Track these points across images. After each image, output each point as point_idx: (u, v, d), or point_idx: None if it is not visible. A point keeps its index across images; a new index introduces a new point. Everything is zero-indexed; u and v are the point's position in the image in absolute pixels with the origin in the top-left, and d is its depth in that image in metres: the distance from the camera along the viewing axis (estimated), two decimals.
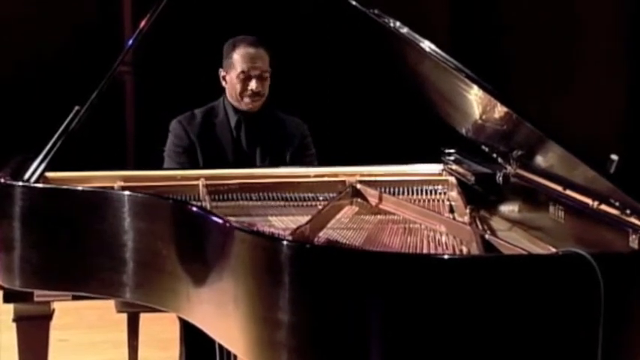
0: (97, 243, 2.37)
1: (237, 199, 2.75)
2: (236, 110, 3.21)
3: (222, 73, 3.23)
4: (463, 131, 2.77)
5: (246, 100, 3.17)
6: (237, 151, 3.19)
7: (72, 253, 2.41)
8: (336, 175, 2.89)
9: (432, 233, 2.38)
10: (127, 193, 2.36)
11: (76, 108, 2.66)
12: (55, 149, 2.61)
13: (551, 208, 2.17)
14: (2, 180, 2.49)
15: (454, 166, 2.90)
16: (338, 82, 4.98)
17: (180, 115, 3.24)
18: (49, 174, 2.69)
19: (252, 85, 3.14)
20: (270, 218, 2.59)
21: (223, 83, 3.22)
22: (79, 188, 2.48)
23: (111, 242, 2.33)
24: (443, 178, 2.89)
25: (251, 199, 2.76)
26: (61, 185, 2.58)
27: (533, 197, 2.32)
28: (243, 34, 3.23)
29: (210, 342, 2.24)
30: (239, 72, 3.15)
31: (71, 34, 4.86)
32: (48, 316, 2.60)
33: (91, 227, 2.38)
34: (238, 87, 3.16)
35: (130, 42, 2.80)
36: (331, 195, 2.74)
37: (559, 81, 5.23)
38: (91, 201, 2.41)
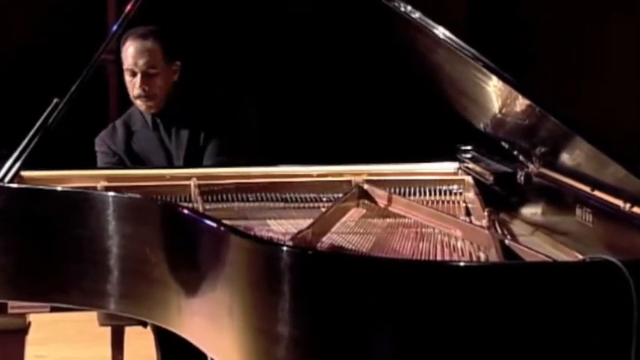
0: (78, 249, 2.37)
1: (233, 201, 2.76)
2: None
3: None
4: (481, 126, 2.78)
5: (138, 102, 3.15)
6: (164, 153, 3.17)
7: (50, 259, 2.42)
8: (340, 175, 2.89)
9: (446, 238, 2.38)
10: (111, 194, 2.37)
11: (55, 100, 2.66)
12: (31, 146, 2.61)
13: (578, 211, 2.17)
14: None
15: (471, 165, 2.90)
16: (343, 73, 4.98)
17: (102, 131, 3.22)
18: (25, 173, 2.69)
19: (137, 83, 3.10)
20: (268, 222, 2.59)
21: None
22: (58, 189, 2.48)
23: (93, 248, 2.34)
24: (458, 177, 2.89)
25: (248, 201, 2.76)
26: (38, 185, 2.59)
27: (557, 199, 2.32)
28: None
29: (190, 354, 2.25)
30: (125, 68, 3.13)
31: (49, 18, 4.87)
32: (23, 330, 2.61)
33: (71, 231, 2.39)
34: (130, 87, 3.13)
35: (115, 27, 2.80)
36: (336, 196, 2.74)
37: (587, 71, 5.23)
38: (72, 203, 2.41)
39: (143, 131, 3.19)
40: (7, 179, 2.54)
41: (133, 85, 3.12)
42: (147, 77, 3.10)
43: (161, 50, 3.13)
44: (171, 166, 3.11)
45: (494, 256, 2.09)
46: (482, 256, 2.18)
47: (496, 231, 2.35)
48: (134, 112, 3.22)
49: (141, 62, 3.10)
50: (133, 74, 3.11)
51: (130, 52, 3.11)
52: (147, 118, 3.19)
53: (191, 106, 3.20)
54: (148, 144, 3.18)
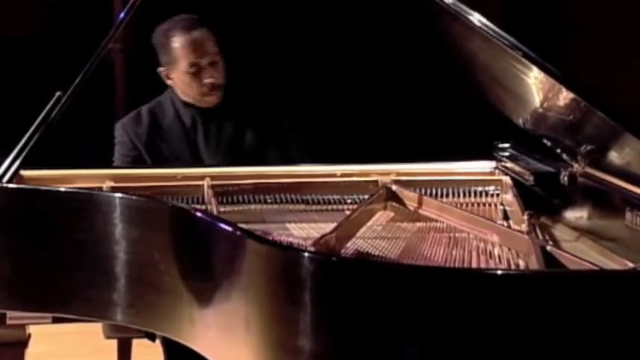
0: (81, 254, 2.38)
1: (250, 203, 2.76)
2: (188, 105, 3.19)
3: (162, 71, 3.19)
4: (520, 122, 2.77)
5: (208, 98, 3.14)
6: (194, 156, 3.17)
7: (51, 266, 2.42)
8: (366, 174, 2.89)
9: (482, 244, 2.38)
10: (117, 195, 2.37)
11: (58, 94, 2.67)
12: (32, 143, 2.62)
13: (628, 215, 2.16)
14: None
15: (509, 164, 2.89)
16: (370, 65, 4.98)
17: (125, 117, 3.22)
18: (25, 172, 2.71)
19: (208, 78, 3.10)
20: (288, 225, 2.59)
21: (169, 82, 3.20)
22: (61, 189, 2.49)
23: (99, 254, 2.34)
24: (496, 177, 2.89)
25: (266, 203, 2.76)
26: (40, 186, 2.60)
27: (605, 201, 2.31)
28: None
29: None
30: (186, 66, 3.11)
31: (51, 5, 4.89)
32: (23, 343, 2.62)
33: (74, 236, 2.39)
34: (194, 84, 3.12)
35: (122, 16, 2.81)
36: (361, 198, 2.74)
37: (635, 60, 5.20)
38: (75, 204, 2.42)
39: (173, 125, 3.19)
40: (5, 179, 2.55)
41: (200, 81, 3.11)
42: (214, 66, 3.11)
43: (213, 36, 3.13)
44: (185, 165, 3.10)
45: (534, 264, 2.08)
46: (522, 264, 2.18)
47: (537, 236, 2.34)
48: (165, 101, 3.22)
49: (204, 52, 3.10)
50: (198, 69, 3.10)
51: (187, 45, 3.10)
52: (182, 113, 3.18)
53: (232, 102, 3.20)
54: (177, 139, 3.17)
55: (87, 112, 3.94)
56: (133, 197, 2.36)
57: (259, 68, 3.73)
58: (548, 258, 2.09)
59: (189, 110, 3.19)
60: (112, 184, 2.78)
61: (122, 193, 2.40)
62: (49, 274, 2.43)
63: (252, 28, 4.49)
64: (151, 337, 2.90)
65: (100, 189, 2.70)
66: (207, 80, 3.11)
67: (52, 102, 2.66)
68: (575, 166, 2.50)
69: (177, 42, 3.11)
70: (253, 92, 3.27)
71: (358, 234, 2.45)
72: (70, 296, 2.41)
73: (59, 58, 4.28)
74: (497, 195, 2.81)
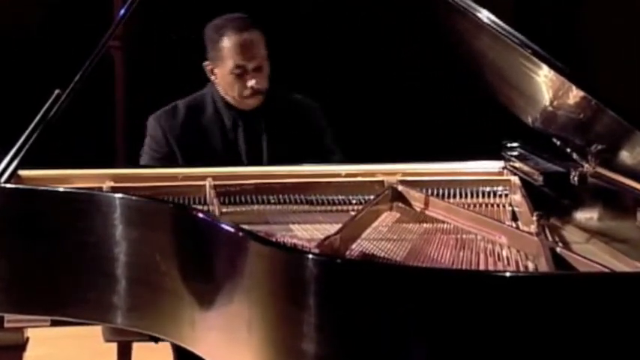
0: (81, 256, 2.38)
1: (253, 203, 2.76)
2: (230, 106, 3.20)
3: (208, 65, 3.20)
4: (529, 120, 2.76)
5: (249, 101, 3.16)
6: (232, 157, 3.18)
7: (50, 268, 2.43)
8: (372, 174, 2.89)
9: (490, 245, 2.38)
10: (118, 195, 2.38)
11: (57, 92, 2.67)
12: (30, 142, 2.62)
13: None
14: None
15: (518, 163, 2.89)
16: (374, 62, 4.97)
17: (159, 110, 3.22)
18: (23, 172, 2.71)
19: (252, 82, 3.11)
20: (292, 226, 2.59)
21: (212, 78, 3.21)
22: (60, 189, 2.50)
23: (98, 255, 2.35)
24: (504, 177, 2.88)
25: (269, 203, 2.76)
26: (38, 186, 2.60)
27: (617, 202, 2.31)
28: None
29: None
30: (232, 67, 3.13)
31: (50, 3, 4.90)
32: (21, 346, 2.62)
33: (74, 237, 2.40)
34: (236, 86, 3.14)
35: (122, 12, 2.81)
36: (366, 198, 2.74)
37: None
38: (74, 205, 2.42)
39: (213, 122, 3.20)
40: (3, 179, 2.55)
41: (243, 83, 3.13)
42: (259, 71, 3.13)
43: (263, 39, 3.15)
44: (188, 165, 3.11)
45: (544, 266, 2.07)
46: (531, 266, 2.18)
47: (546, 238, 2.34)
48: (206, 99, 3.23)
49: (253, 56, 3.11)
50: (243, 72, 3.11)
51: (237, 46, 3.11)
52: (223, 112, 3.19)
53: (277, 105, 3.21)
54: (215, 137, 3.18)
55: (86, 111, 3.95)
56: (134, 198, 2.36)
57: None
58: (558, 260, 2.08)
59: (230, 110, 3.20)
60: (112, 184, 2.78)
61: (122, 193, 2.40)
62: (48, 277, 2.43)
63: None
64: (154, 338, 2.90)
65: (100, 189, 2.70)
66: (250, 83, 3.13)
67: (50, 100, 2.66)
68: (586, 165, 2.50)
69: (228, 41, 3.13)
70: (299, 103, 3.28)
71: (363, 235, 2.45)
72: (70, 299, 2.42)
73: (58, 56, 4.29)
74: (506, 195, 2.81)
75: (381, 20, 4.79)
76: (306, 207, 2.77)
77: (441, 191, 2.79)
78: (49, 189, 2.51)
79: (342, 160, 3.21)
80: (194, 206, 2.67)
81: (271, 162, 3.16)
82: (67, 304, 2.43)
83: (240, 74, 3.13)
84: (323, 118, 3.30)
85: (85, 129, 4.12)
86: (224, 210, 2.66)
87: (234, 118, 3.20)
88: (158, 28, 4.73)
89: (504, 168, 2.96)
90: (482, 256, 2.31)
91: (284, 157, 3.14)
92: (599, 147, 2.40)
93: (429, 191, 2.76)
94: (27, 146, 2.62)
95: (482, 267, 2.22)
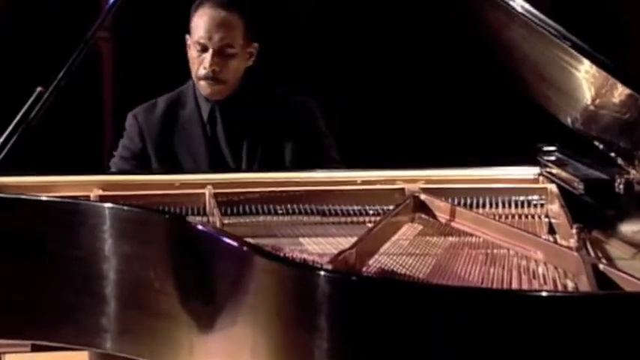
0: (66, 273, 2.39)
1: (258, 214, 2.77)
2: (207, 98, 3.23)
3: (188, 40, 3.25)
4: (569, 121, 2.77)
5: (202, 83, 3.19)
6: (212, 153, 3.20)
7: (31, 286, 2.44)
8: (392, 182, 2.90)
9: (524, 262, 2.38)
10: (107, 205, 2.39)
11: (39, 89, 2.69)
12: (8, 146, 2.64)
13: None
14: None
15: (555, 170, 2.89)
16: (395, 58, 4.98)
17: (139, 106, 3.25)
18: (1, 179, 2.72)
19: (206, 61, 3.14)
20: (301, 240, 2.60)
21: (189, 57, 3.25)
22: (43, 198, 2.51)
23: (85, 272, 2.36)
24: (540, 185, 2.89)
25: (276, 214, 2.77)
26: (19, 194, 2.61)
27: None
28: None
29: None
30: (194, 41, 3.16)
31: None
32: None
33: (57, 252, 2.41)
34: (194, 65, 3.18)
35: (111, 1, 2.83)
36: (385, 208, 2.75)
37: None
38: (59, 216, 2.43)
39: (191, 119, 3.23)
40: None
41: (200, 63, 3.17)
42: (220, 56, 3.15)
43: (243, 26, 3.18)
44: (185, 170, 3.12)
45: (585, 285, 2.08)
46: (570, 285, 2.18)
47: (587, 253, 2.34)
48: (187, 92, 3.27)
49: (217, 37, 3.14)
50: (204, 49, 3.15)
51: (205, 21, 3.15)
52: (202, 104, 3.22)
53: (262, 100, 3.23)
54: (193, 137, 3.21)
55: (71, 111, 3.97)
56: (125, 207, 2.37)
57: (269, 68, 3.75)
58: (601, 278, 2.09)
59: (208, 102, 3.22)
60: (101, 192, 2.79)
61: (112, 202, 2.41)
62: (27, 296, 2.44)
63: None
64: None
65: (87, 198, 2.71)
66: (203, 64, 3.15)
67: (32, 99, 2.68)
68: (632, 172, 2.50)
69: (201, 13, 3.17)
70: (294, 103, 3.29)
71: (382, 250, 2.46)
72: (53, 321, 2.43)
73: (39, 49, 4.30)
74: (542, 205, 2.81)
75: (406, 18, 4.80)
76: (318, 218, 2.77)
77: (468, 201, 2.80)
78: (30, 198, 2.52)
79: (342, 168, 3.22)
80: (192, 217, 2.68)
81: (250, 160, 3.17)
82: (50, 327, 2.44)
83: (200, 51, 3.16)
84: (319, 121, 3.31)
85: (70, 131, 4.12)
86: (226, 221, 2.67)
87: (210, 110, 3.22)
88: (152, 17, 4.74)
89: (540, 174, 2.96)
90: (515, 273, 2.31)
91: (266, 157, 3.15)
92: None
93: (456, 201, 2.77)
94: (5, 150, 2.63)
95: (515, 285, 2.23)
